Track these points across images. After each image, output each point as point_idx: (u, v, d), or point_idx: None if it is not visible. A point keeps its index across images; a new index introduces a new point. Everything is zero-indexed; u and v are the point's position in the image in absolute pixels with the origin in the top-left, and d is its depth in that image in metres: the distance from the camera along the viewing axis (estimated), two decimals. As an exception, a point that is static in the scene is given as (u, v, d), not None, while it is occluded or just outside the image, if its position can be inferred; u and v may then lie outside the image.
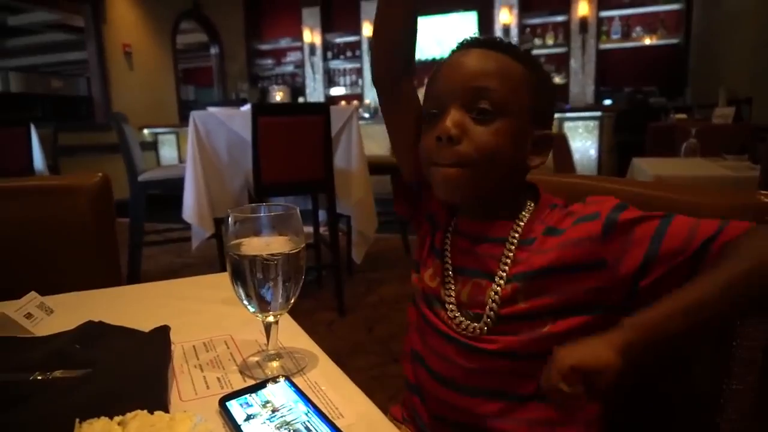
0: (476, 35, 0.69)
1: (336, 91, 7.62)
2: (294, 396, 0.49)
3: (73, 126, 5.58)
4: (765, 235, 0.53)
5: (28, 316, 0.72)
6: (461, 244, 0.69)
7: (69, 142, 4.97)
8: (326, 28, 7.45)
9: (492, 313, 0.62)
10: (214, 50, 7.55)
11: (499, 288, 0.62)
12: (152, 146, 6.02)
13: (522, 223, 0.65)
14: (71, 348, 0.58)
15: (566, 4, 6.20)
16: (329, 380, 0.56)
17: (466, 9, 6.69)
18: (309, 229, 3.02)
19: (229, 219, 0.55)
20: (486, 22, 6.59)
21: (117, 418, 0.42)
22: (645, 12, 6.08)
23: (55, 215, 1.19)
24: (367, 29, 7.07)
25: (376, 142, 5.09)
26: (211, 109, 2.88)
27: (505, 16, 6.43)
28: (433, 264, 0.70)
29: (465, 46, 0.68)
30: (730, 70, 4.42)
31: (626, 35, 6.18)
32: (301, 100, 7.36)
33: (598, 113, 5.08)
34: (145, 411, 0.43)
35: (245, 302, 0.57)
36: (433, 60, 6.92)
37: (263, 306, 0.56)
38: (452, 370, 0.65)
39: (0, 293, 0.76)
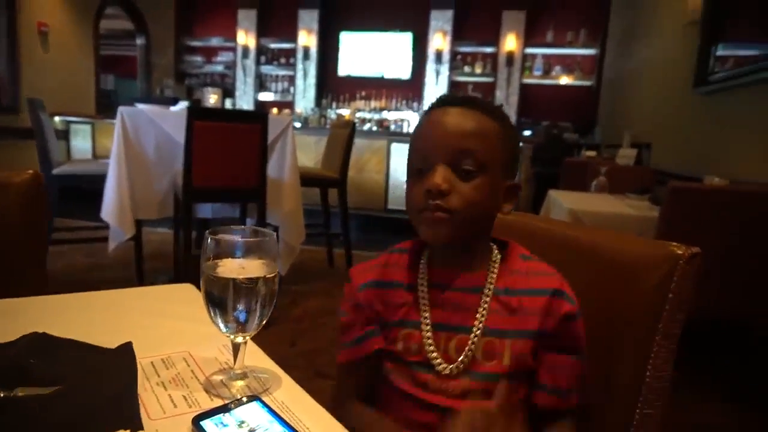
0: (454, 94, 0.79)
1: (266, 96, 7.52)
2: (268, 416, 0.52)
3: (-27, 106, 5.10)
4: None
5: (-35, 324, 0.69)
6: (436, 297, 0.72)
7: (-33, 124, 4.53)
8: (262, 32, 7.36)
9: (467, 359, 0.68)
10: (140, 41, 7.20)
11: (476, 339, 0.68)
12: (63, 135, 5.61)
13: (494, 273, 0.72)
14: (26, 362, 0.56)
15: (496, 37, 6.56)
16: (294, 400, 0.58)
17: (402, 30, 6.88)
18: (235, 236, 2.95)
19: (208, 239, 0.57)
20: (420, 44, 6.81)
21: None
22: (564, 53, 6.56)
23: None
24: (303, 37, 7.06)
25: (305, 153, 5.09)
26: (141, 106, 2.77)
27: (439, 41, 6.68)
28: (403, 333, 0.72)
29: (444, 103, 0.73)
30: (634, 116, 4.87)
31: (547, 72, 6.63)
32: (229, 102, 7.18)
33: (519, 144, 5.40)
34: (130, 429, 0.44)
35: (218, 322, 0.58)
36: (367, 78, 7.04)
37: (235, 327, 0.58)
38: None
39: None
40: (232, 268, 0.58)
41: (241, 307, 0.57)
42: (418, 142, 0.73)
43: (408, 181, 0.73)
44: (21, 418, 0.47)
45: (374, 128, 6.72)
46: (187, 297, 0.92)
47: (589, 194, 2.94)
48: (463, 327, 0.69)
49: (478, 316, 0.69)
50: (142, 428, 0.47)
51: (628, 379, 0.70)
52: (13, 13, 5.24)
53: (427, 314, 0.71)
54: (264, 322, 0.60)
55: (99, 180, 2.61)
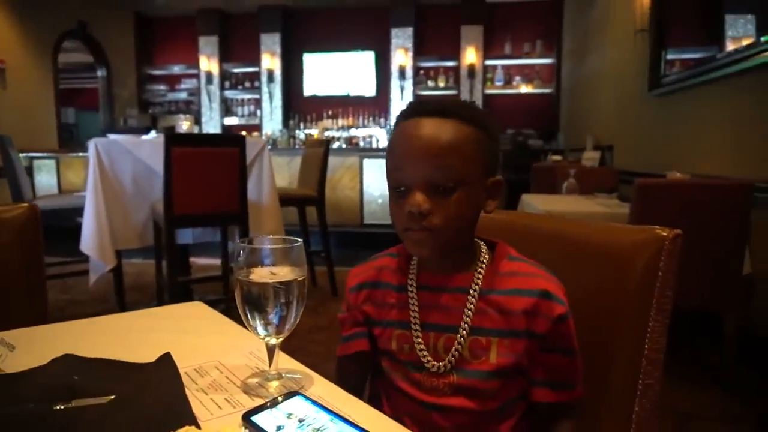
0: (422, 100, 0.76)
1: (232, 120, 7.51)
2: (313, 407, 0.56)
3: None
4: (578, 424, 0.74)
5: (-6, 352, 0.70)
6: (425, 299, 0.75)
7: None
8: (224, 57, 7.37)
9: (453, 359, 0.71)
10: (101, 72, 7.12)
11: (463, 339, 0.71)
12: (27, 172, 5.48)
13: (481, 274, 0.73)
14: (71, 379, 0.59)
15: (456, 51, 6.75)
16: (331, 395, 0.62)
17: (364, 48, 7.00)
18: (217, 260, 2.95)
19: (240, 249, 0.61)
20: (383, 61, 6.94)
21: None
22: (523, 63, 6.80)
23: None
24: (267, 60, 7.11)
25: (278, 173, 5.09)
26: (114, 137, 2.76)
27: (401, 58, 6.82)
28: (396, 333, 0.75)
29: (416, 113, 0.72)
30: (594, 120, 5.07)
31: (508, 82, 6.84)
32: (196, 128, 7.14)
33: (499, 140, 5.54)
34: (193, 427, 0.47)
35: (256, 325, 0.62)
36: (332, 97, 7.12)
37: (270, 329, 0.62)
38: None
39: None
40: (264, 274, 0.62)
41: (275, 309, 0.61)
42: (392, 160, 0.73)
43: (390, 197, 0.74)
44: (82, 427, 0.49)
45: (344, 146, 6.79)
46: (200, 314, 0.94)
47: (560, 196, 3.06)
48: (450, 327, 0.72)
49: (464, 316, 0.71)
50: (198, 426, 0.50)
51: (628, 355, 0.76)
52: (-32, 50, 5.14)
53: (416, 315, 0.74)
54: (296, 323, 0.63)
55: (73, 213, 2.58)
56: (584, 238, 0.89)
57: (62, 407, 0.51)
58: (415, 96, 6.91)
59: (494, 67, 6.82)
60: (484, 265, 0.74)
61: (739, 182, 2.12)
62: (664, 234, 0.75)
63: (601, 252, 0.84)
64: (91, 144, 2.58)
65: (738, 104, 2.53)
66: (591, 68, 5.17)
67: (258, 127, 7.30)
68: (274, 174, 2.98)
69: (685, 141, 3.11)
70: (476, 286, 0.73)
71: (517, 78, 6.84)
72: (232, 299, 2.74)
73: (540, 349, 0.71)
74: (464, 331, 0.71)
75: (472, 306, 0.72)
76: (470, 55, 6.69)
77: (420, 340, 0.73)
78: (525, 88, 6.76)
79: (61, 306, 3.29)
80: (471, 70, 6.70)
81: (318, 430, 0.52)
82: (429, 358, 0.72)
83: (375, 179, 5.38)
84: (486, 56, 6.73)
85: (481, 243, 0.78)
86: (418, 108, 0.72)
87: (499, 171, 0.78)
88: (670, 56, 3.40)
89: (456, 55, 6.76)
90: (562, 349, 0.72)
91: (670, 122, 3.34)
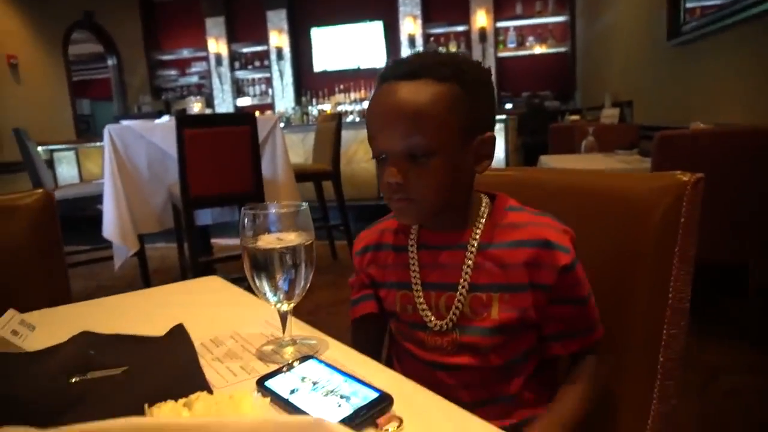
0: (396, 60, 0.71)
1: (245, 101, 7.50)
2: (327, 369, 0.55)
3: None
4: (598, 373, 0.72)
5: (14, 332, 0.71)
6: (425, 258, 0.74)
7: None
8: (232, 38, 7.32)
9: (455, 317, 0.70)
10: (111, 61, 7.15)
11: (462, 297, 0.70)
12: (48, 164, 5.57)
13: (479, 229, 0.71)
14: (87, 354, 0.59)
15: (466, 15, 6.58)
16: (346, 358, 0.62)
17: (372, 19, 6.88)
18: (238, 240, 2.97)
19: (245, 216, 0.60)
20: (392, 31, 6.82)
21: (182, 401, 0.45)
22: (536, 23, 6.61)
23: (-7, 236, 1.13)
24: (275, 38, 7.04)
25: (293, 151, 5.07)
26: (126, 123, 2.77)
27: (410, 26, 6.69)
28: (399, 294, 0.75)
29: (392, 76, 0.68)
30: (612, 76, 4.93)
31: (521, 44, 6.67)
32: (209, 111, 7.16)
33: (502, 116, 5.45)
34: (205, 392, 0.47)
35: (265, 291, 0.61)
36: (343, 71, 7.03)
37: (280, 295, 0.61)
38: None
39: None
40: (271, 240, 0.61)
41: (283, 275, 0.60)
42: (369, 128, 0.70)
43: (375, 164, 0.72)
44: (97, 398, 0.49)
45: (357, 119, 6.74)
46: (216, 287, 0.94)
47: (580, 155, 2.99)
48: (450, 285, 0.70)
49: (462, 273, 0.70)
50: (210, 391, 0.50)
51: (651, 305, 0.74)
52: (-19, 48, 5.19)
53: (416, 275, 0.73)
54: (306, 288, 0.63)
55: (94, 201, 2.62)
56: (599, 189, 0.86)
57: (77, 380, 0.52)
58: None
59: (506, 29, 6.65)
60: (483, 220, 0.72)
61: (766, 129, 2.04)
62: (685, 179, 0.72)
63: (618, 201, 0.81)
64: (106, 131, 2.60)
65: (763, 49, 2.42)
66: (606, 23, 5.00)
67: (271, 106, 7.28)
68: (289, 151, 2.97)
69: (707, 91, 3.00)
70: (474, 242, 0.71)
71: (530, 39, 6.66)
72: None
73: (549, 301, 0.69)
74: (464, 289, 0.70)
75: (470, 262, 0.70)
76: (481, 18, 6.52)
77: (421, 299, 0.72)
78: (539, 49, 6.59)
79: (90, 292, 3.37)
80: (482, 33, 6.54)
81: (332, 391, 0.51)
82: (431, 318, 0.71)
83: (390, 151, 5.33)
84: (497, 18, 6.55)
85: (483, 196, 0.75)
86: (389, 72, 0.69)
87: (490, 126, 0.73)
88: (689, 4, 3.26)
89: (466, 19, 6.60)
90: (573, 299, 0.70)
91: (690, 72, 3.22)
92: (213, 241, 3.52)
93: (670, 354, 0.72)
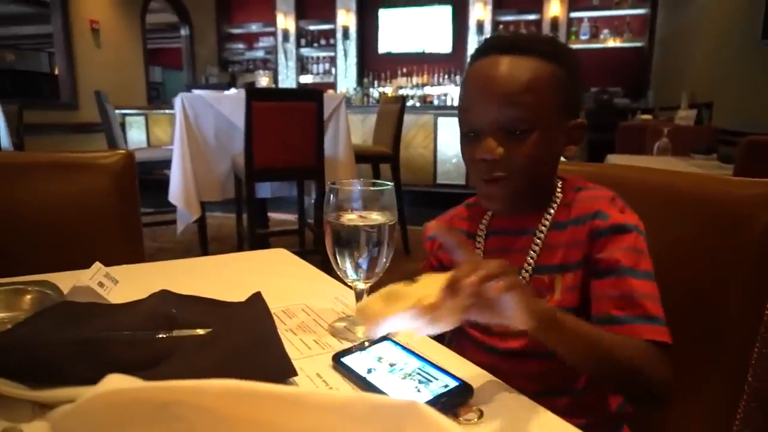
0: (499, 35, 0.71)
1: (308, 78, 7.57)
2: (404, 352, 0.54)
3: (38, 104, 5.35)
4: (650, 358, 0.60)
5: (100, 285, 0.74)
6: (494, 244, 0.74)
7: (33, 120, 4.76)
8: (300, 15, 7.38)
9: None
10: (184, 32, 7.36)
11: (524, 280, 0.68)
12: (121, 128, 5.84)
13: (552, 211, 0.71)
14: (169, 311, 0.61)
15: (539, 3, 6.36)
16: (420, 344, 0.61)
17: (441, 3, 6.76)
18: (293, 216, 3.03)
19: (331, 192, 0.60)
20: (460, 16, 6.68)
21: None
22: (612, 15, 6.30)
23: (77, 190, 1.18)
24: (342, 17, 7.05)
25: (353, 131, 5.08)
26: (198, 92, 2.85)
27: (479, 12, 6.53)
28: None
29: (491, 49, 0.67)
30: (691, 75, 4.65)
31: (594, 36, 6.39)
32: (273, 86, 7.28)
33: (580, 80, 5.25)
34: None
35: (346, 268, 0.61)
36: (407, 54, 6.97)
37: (359, 273, 0.61)
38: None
39: (23, 266, 0.77)
40: (354, 218, 0.60)
41: (365, 253, 0.59)
42: (463, 101, 0.70)
43: (461, 143, 0.71)
44: (180, 355, 0.51)
45: (417, 104, 6.68)
46: (285, 260, 0.96)
47: (652, 157, 2.85)
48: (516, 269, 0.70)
49: (527, 257, 0.69)
50: (296, 374, 0.50)
51: (742, 319, 0.69)
52: (66, 11, 5.45)
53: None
54: (385, 268, 0.62)
55: (163, 166, 2.72)
56: (687, 191, 0.81)
57: (164, 336, 0.53)
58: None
59: (580, 19, 6.38)
60: (555, 204, 0.71)
61: None
62: (794, 188, 0.67)
63: (710, 206, 0.77)
64: (178, 98, 2.68)
65: None
66: (691, 17, 4.71)
67: (333, 85, 7.31)
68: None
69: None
70: (543, 227, 0.70)
71: (605, 31, 6.36)
72: (308, 252, 2.80)
73: (589, 275, 0.66)
74: (526, 273, 0.69)
75: (536, 246, 0.69)
76: (554, 7, 6.28)
77: None
78: (612, 42, 6.29)
79: (151, 253, 3.52)
80: (554, 23, 6.31)
81: (409, 375, 0.50)
82: None
83: (449, 138, 5.26)
84: (571, 7, 6.29)
85: (558, 180, 0.74)
86: (491, 44, 0.68)
87: (581, 113, 0.73)
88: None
89: (539, 7, 6.37)
90: (605, 270, 0.64)
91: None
92: (269, 215, 3.60)
93: (760, 375, 0.67)
